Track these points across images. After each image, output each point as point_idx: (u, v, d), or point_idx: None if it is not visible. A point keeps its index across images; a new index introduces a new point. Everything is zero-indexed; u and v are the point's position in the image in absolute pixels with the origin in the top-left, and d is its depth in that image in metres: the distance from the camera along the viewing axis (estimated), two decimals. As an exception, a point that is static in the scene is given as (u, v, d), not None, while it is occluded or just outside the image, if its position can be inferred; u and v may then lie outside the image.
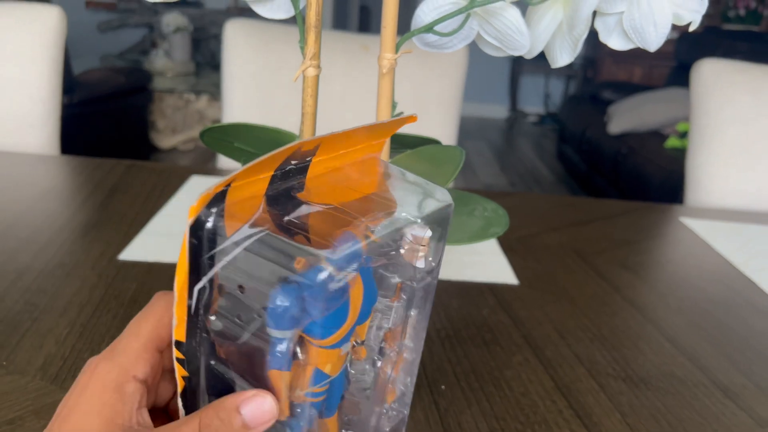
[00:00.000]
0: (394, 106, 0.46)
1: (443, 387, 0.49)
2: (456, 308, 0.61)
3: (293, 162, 0.29)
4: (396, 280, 0.33)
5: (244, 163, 0.43)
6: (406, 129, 0.55)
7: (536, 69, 4.65)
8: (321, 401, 0.29)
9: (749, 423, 0.48)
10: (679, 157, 2.26)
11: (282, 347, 0.27)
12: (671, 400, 0.50)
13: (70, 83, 2.48)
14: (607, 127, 2.84)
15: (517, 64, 4.58)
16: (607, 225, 0.87)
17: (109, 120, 2.81)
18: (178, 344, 0.28)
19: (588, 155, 3.00)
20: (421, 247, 0.31)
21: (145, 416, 0.29)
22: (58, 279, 0.60)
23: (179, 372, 0.29)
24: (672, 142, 2.55)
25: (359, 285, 0.28)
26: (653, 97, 2.81)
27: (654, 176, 2.35)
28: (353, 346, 0.32)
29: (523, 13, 0.45)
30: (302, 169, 0.30)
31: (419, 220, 0.31)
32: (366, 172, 0.34)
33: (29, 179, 0.87)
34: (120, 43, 4.62)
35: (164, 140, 3.45)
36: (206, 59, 4.28)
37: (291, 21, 0.47)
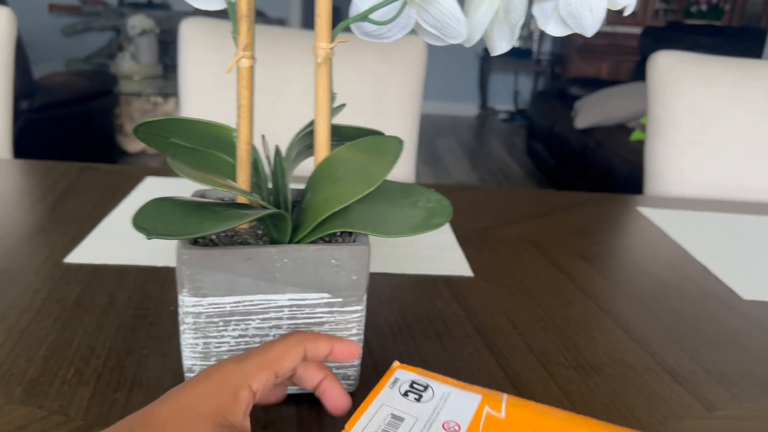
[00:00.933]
0: (333, 97, 0.46)
1: (392, 381, 0.48)
2: (409, 302, 0.61)
3: None
4: None
5: (173, 157, 0.42)
6: (359, 121, 0.54)
7: (505, 66, 4.68)
8: None
9: (697, 407, 0.49)
10: (643, 150, 2.28)
11: None
12: (620, 386, 0.50)
13: (31, 87, 2.43)
14: (574, 122, 2.86)
15: (486, 62, 4.61)
16: (565, 216, 0.87)
17: (73, 124, 2.75)
18: None
19: (556, 150, 3.02)
20: None
21: (247, 424, 0.33)
22: (0, 284, 0.58)
23: None
24: (637, 135, 2.58)
25: None
26: (618, 91, 2.85)
27: (620, 169, 2.38)
28: None
29: (462, 1, 0.45)
30: None
31: None
32: None
33: (-24, 184, 0.84)
34: (86, 47, 4.54)
35: (132, 144, 3.40)
36: (173, 61, 4.23)
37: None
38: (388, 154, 0.43)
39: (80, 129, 2.82)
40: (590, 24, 0.43)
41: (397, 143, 0.44)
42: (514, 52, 4.61)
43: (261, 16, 4.29)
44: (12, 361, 0.47)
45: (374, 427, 0.35)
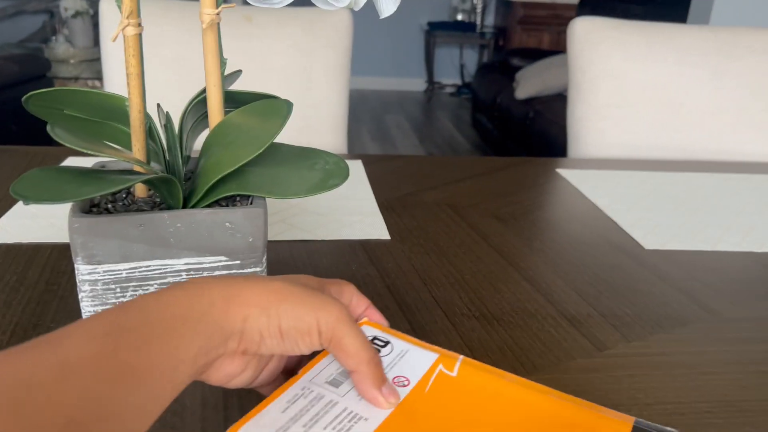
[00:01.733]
0: (224, 63, 0.46)
1: (300, 339, 0.50)
2: (326, 266, 0.62)
3: None
4: None
5: (53, 125, 0.42)
6: (286, 94, 0.55)
7: (450, 40, 4.69)
8: None
9: (588, 347, 0.52)
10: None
11: None
12: (519, 333, 0.53)
13: (-44, 74, 2.33)
14: (515, 93, 2.91)
15: (431, 36, 4.61)
16: (485, 180, 0.90)
17: (5, 111, 2.66)
18: None
19: (499, 122, 3.07)
20: None
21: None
22: None
23: None
24: (575, 103, 2.64)
25: None
26: (556, 61, 2.90)
27: (559, 137, 2.43)
28: None
29: (347, -35, 0.46)
30: None
31: None
32: None
33: None
34: (18, 31, 4.36)
35: (70, 130, 3.30)
36: (110, 44, 4.10)
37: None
38: (278, 117, 0.44)
39: (14, 116, 2.72)
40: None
41: (286, 106, 0.45)
42: (458, 26, 4.63)
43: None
44: None
45: (326, 375, 0.37)
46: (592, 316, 0.56)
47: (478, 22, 4.69)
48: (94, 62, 3.77)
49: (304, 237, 0.68)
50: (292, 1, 0.49)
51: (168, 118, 0.45)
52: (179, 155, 0.45)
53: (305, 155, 0.49)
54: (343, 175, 0.47)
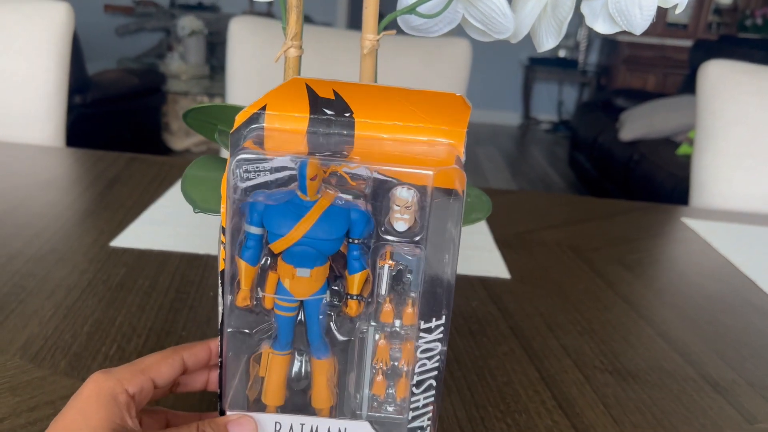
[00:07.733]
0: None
1: (425, 375, 0.48)
2: (445, 300, 0.61)
3: (328, 112, 0.34)
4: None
5: (220, 134, 0.43)
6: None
7: (550, 76, 4.63)
8: (291, 318, 0.32)
9: (737, 418, 0.47)
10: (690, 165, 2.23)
11: (251, 242, 0.31)
12: (658, 393, 0.49)
13: (85, 83, 2.51)
14: (618, 134, 2.82)
15: (531, 71, 4.57)
16: (607, 223, 0.86)
17: (122, 120, 2.84)
18: None
19: (599, 162, 2.97)
20: (402, 208, 0.31)
21: (137, 425, 0.31)
22: (49, 263, 0.61)
23: None
24: (684, 149, 2.52)
25: (321, 205, 0.31)
26: (666, 104, 2.79)
27: (665, 183, 2.33)
28: (344, 296, 0.32)
29: (509, -3, 0.45)
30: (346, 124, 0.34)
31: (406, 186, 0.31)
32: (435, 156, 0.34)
33: (31, 169, 0.87)
34: (137, 46, 4.68)
35: (177, 142, 3.47)
36: (220, 62, 4.31)
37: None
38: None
39: (129, 125, 2.90)
40: (639, 22, 0.42)
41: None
42: (559, 62, 4.57)
43: (307, 21, 4.35)
44: (58, 336, 0.49)
45: None
46: (738, 384, 0.52)
47: (581, 59, 4.61)
48: (203, 79, 3.97)
49: (421, 267, 0.67)
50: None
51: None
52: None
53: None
54: (486, 209, 0.46)
